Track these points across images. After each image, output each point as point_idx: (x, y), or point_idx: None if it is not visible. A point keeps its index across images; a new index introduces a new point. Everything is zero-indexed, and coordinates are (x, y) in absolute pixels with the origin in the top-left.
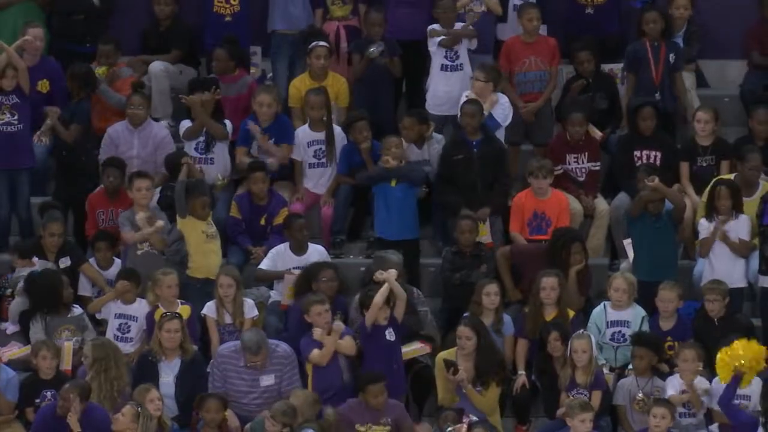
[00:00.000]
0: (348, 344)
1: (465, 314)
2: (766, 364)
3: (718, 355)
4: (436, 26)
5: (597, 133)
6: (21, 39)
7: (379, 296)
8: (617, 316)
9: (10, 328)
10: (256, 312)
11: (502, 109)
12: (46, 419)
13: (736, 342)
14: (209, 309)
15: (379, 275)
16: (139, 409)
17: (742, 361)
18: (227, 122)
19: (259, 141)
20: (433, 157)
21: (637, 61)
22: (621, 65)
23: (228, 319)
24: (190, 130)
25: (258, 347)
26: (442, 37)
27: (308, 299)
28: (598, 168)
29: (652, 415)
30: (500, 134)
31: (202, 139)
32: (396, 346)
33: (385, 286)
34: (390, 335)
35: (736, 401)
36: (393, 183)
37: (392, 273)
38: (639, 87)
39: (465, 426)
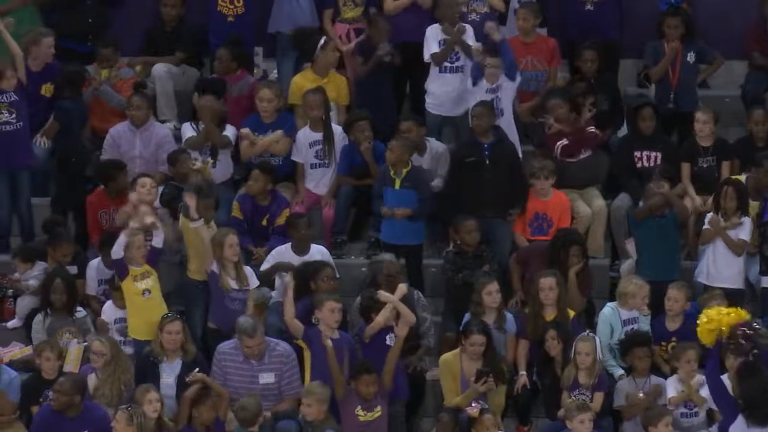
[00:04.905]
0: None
1: (466, 316)
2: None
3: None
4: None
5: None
6: (5, 21)
7: (381, 317)
8: (630, 314)
9: (13, 322)
10: (256, 281)
11: None
12: (46, 418)
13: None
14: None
15: (382, 296)
16: (129, 409)
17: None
18: (228, 128)
19: (256, 146)
20: (431, 165)
21: (656, 59)
22: None
23: (233, 285)
24: (193, 142)
25: (254, 329)
26: (444, 37)
27: (324, 296)
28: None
29: None
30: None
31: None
32: None
33: (390, 307)
34: (390, 340)
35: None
36: (397, 185)
37: (402, 289)
38: (657, 87)
39: (477, 408)
